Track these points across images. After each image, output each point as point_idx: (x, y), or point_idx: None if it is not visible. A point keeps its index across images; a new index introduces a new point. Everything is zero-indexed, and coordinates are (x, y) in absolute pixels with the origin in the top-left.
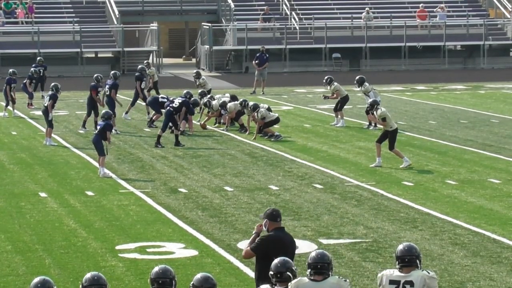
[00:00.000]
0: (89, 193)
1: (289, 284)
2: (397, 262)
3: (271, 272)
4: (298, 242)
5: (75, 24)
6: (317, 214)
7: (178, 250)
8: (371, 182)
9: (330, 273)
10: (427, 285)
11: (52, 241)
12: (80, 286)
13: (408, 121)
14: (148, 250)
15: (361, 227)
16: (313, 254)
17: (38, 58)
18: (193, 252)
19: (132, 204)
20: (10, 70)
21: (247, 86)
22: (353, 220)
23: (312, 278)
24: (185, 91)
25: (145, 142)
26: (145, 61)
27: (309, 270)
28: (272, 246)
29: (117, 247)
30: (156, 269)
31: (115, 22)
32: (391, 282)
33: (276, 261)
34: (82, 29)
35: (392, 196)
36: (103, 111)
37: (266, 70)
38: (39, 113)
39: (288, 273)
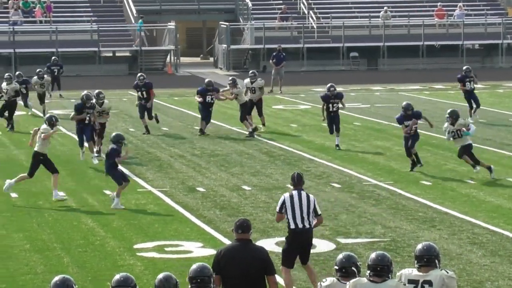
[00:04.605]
0: (107, 192)
1: (347, 283)
2: (415, 262)
3: (335, 267)
4: (316, 241)
5: (93, 23)
6: (335, 213)
7: (196, 249)
8: (389, 181)
9: (390, 275)
10: (446, 285)
11: (70, 239)
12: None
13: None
14: (166, 249)
15: (379, 227)
16: (373, 255)
17: (53, 57)
18: (211, 251)
19: (150, 203)
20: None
21: (264, 85)
22: (371, 220)
23: (371, 279)
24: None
25: (162, 141)
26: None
27: (368, 272)
28: (224, 260)
29: (135, 246)
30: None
31: (133, 21)
32: (410, 281)
33: (340, 255)
34: (100, 28)
35: (410, 195)
36: (114, 133)
37: (283, 69)
38: (57, 112)
39: (353, 268)
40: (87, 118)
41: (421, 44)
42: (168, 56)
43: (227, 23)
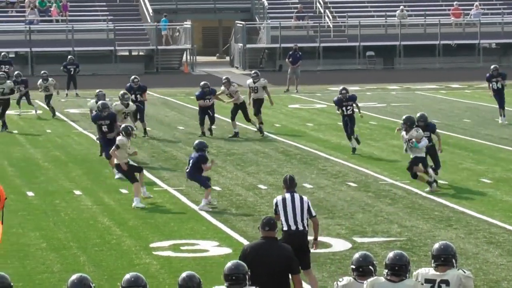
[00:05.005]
0: (123, 191)
1: (365, 282)
2: (432, 261)
3: (352, 266)
4: (332, 240)
5: (109, 22)
6: (351, 212)
7: (212, 248)
8: (405, 180)
9: (407, 275)
10: (463, 285)
11: (87, 238)
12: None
13: (442, 119)
14: (182, 248)
15: (396, 226)
16: (391, 255)
17: (69, 56)
18: (227, 250)
19: (166, 202)
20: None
21: (281, 84)
22: (387, 219)
23: (388, 278)
24: None
25: (178, 140)
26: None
27: (386, 271)
28: (250, 257)
29: (151, 245)
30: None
31: (149, 20)
32: (427, 281)
33: (357, 255)
34: (116, 27)
35: (427, 194)
36: (197, 141)
37: (299, 68)
38: (73, 111)
39: (370, 267)
40: (104, 128)
41: (437, 43)
42: (184, 55)
43: (243, 22)
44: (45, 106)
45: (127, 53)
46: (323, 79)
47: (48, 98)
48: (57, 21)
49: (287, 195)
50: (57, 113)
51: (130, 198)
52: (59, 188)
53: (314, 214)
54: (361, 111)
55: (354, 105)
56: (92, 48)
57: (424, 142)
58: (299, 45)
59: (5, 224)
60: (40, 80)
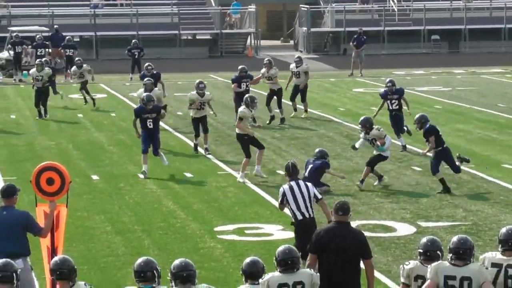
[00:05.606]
0: (188, 174)
1: (429, 266)
2: (500, 245)
3: (419, 250)
4: (396, 224)
5: (174, 6)
6: (416, 196)
7: (276, 232)
8: (470, 164)
9: (472, 259)
10: None
11: (151, 222)
12: (169, 273)
13: (508, 103)
14: (246, 231)
15: (460, 210)
16: (455, 239)
17: (134, 40)
18: (291, 234)
19: (230, 185)
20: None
21: (345, 68)
22: (452, 203)
23: (453, 263)
24: None
25: None
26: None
27: (450, 255)
28: (323, 241)
29: (216, 229)
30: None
31: (213, 4)
32: (493, 265)
33: (424, 239)
34: (180, 11)
35: (492, 179)
36: (318, 148)
37: (363, 52)
38: (136, 94)
39: (437, 252)
40: (149, 123)
41: (503, 27)
42: (249, 39)
43: (308, 6)
44: (83, 94)
45: (191, 37)
46: (388, 63)
47: (83, 84)
48: (121, 5)
49: (293, 183)
50: (121, 97)
51: (194, 181)
52: (123, 171)
53: (320, 197)
54: (409, 107)
55: (402, 100)
56: (157, 32)
57: (389, 141)
58: (364, 29)
59: (70, 207)
60: (74, 67)
